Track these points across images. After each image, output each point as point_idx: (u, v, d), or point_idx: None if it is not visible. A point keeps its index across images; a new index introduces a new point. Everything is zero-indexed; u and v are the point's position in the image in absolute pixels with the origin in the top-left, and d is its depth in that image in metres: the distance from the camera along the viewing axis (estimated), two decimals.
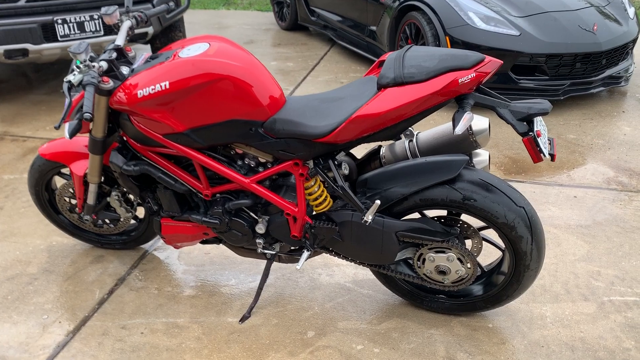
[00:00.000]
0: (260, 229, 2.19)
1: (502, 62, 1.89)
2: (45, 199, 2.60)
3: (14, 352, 2.16)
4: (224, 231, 2.22)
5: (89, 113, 1.80)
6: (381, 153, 2.19)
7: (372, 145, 3.84)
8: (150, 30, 4.60)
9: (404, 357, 2.11)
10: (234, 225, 2.20)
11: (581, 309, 2.34)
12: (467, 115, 1.74)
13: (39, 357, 2.13)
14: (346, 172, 2.05)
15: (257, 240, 2.23)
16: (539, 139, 1.78)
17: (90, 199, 2.41)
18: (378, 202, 1.94)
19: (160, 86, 1.91)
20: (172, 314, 2.34)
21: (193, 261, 2.68)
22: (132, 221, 2.67)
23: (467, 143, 2.05)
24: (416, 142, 2.13)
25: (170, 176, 2.17)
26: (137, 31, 4.52)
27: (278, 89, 2.03)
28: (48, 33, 4.14)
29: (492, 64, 1.79)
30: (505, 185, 1.97)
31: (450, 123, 2.08)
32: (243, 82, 1.92)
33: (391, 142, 2.18)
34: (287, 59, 5.90)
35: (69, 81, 1.92)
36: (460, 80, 1.75)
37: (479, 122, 2.01)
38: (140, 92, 1.93)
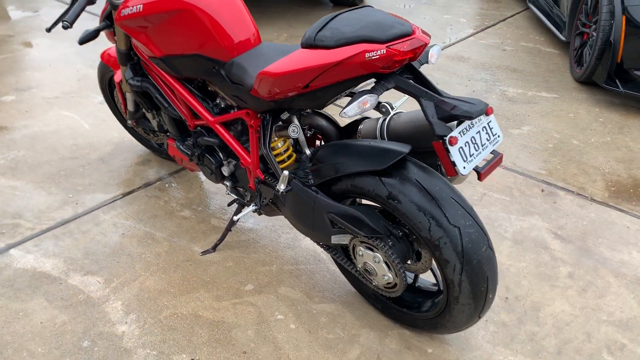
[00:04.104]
0: (225, 171, 2.17)
1: (428, 39, 1.48)
2: (110, 97, 2.93)
3: (30, 215, 2.57)
4: (198, 164, 2.26)
5: (67, 22, 1.96)
6: (360, 126, 1.96)
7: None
8: None
9: (311, 344, 1.96)
10: (205, 161, 2.22)
11: None
12: (367, 98, 1.43)
13: (42, 225, 2.50)
14: (293, 135, 1.88)
15: (225, 182, 2.22)
16: (451, 147, 1.39)
17: (130, 106, 2.64)
18: (286, 172, 1.76)
19: (137, 8, 1.96)
20: (158, 226, 2.51)
21: (216, 185, 2.79)
22: None
23: (431, 136, 1.71)
24: (387, 122, 1.84)
25: (165, 99, 2.26)
26: None
27: (249, 31, 1.93)
28: None
29: (413, 41, 1.42)
30: (448, 194, 1.61)
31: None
32: (207, 15, 1.87)
33: (380, 116, 1.93)
34: (464, 14, 5.41)
35: None
36: (367, 55, 1.44)
37: None
38: (123, 11, 2.02)
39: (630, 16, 3.45)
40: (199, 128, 2.22)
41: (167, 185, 2.80)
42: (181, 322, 2.03)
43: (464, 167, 1.45)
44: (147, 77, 2.32)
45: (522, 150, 3.18)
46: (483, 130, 1.49)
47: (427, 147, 1.75)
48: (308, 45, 1.56)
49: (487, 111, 1.49)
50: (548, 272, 2.30)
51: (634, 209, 2.69)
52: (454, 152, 1.42)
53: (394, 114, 1.85)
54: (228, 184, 2.22)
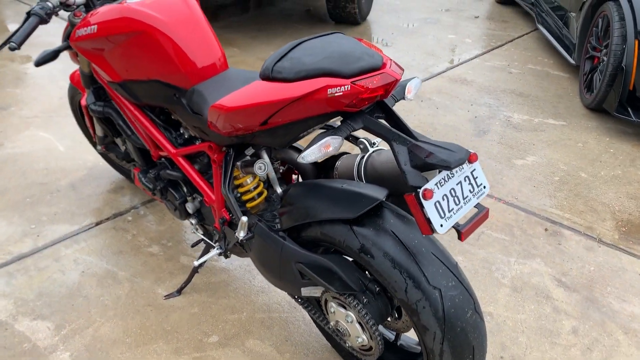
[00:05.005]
0: (190, 207, 1.96)
1: (400, 75, 1.27)
2: (81, 119, 2.74)
3: None
4: (162, 199, 2.05)
5: (14, 43, 1.77)
6: (337, 162, 1.74)
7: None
8: None
9: None
10: (168, 196, 2.01)
11: None
12: (329, 141, 1.22)
13: None
14: (260, 172, 1.66)
15: (190, 220, 2.01)
16: (426, 202, 1.17)
17: (98, 131, 2.45)
18: (244, 219, 1.54)
19: (91, 29, 1.77)
20: (122, 264, 2.30)
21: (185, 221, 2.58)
22: None
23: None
24: (366, 160, 1.63)
25: (129, 127, 2.06)
26: None
27: (214, 55, 1.73)
28: None
29: (383, 77, 1.21)
30: (428, 249, 1.38)
31: None
32: (167, 38, 1.68)
33: (359, 153, 1.72)
34: (470, 34, 5.20)
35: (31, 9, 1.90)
36: (329, 91, 1.22)
37: None
38: (78, 32, 1.83)
39: None
40: (162, 159, 2.02)
41: (140, 213, 2.59)
42: None
43: (441, 225, 1.22)
44: (111, 102, 2.13)
45: (526, 183, 2.94)
46: (465, 181, 1.27)
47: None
48: (265, 77, 1.34)
49: (470, 158, 1.27)
50: (549, 327, 2.05)
51: None
52: (429, 207, 1.20)
53: (374, 151, 1.64)
54: (193, 221, 2.01)
